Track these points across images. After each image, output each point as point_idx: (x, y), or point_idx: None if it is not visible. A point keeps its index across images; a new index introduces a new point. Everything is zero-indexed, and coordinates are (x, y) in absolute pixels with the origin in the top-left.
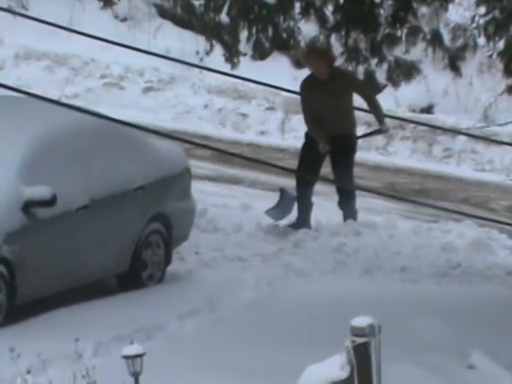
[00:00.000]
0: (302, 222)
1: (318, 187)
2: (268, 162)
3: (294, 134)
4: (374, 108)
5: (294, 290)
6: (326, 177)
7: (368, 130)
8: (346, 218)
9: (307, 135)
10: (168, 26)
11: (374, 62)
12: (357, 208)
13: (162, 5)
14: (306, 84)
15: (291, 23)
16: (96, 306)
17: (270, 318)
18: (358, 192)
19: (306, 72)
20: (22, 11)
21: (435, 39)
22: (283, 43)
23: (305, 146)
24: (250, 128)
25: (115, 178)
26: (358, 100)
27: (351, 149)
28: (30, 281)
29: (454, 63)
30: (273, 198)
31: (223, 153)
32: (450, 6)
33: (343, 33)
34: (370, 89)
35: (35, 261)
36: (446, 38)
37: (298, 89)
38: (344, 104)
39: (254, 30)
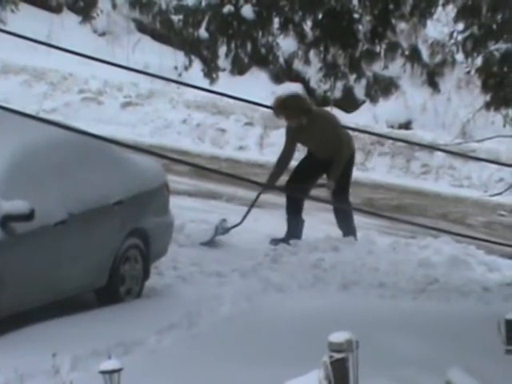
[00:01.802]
0: (293, 236)
1: None
2: (246, 177)
3: (272, 149)
4: (337, 162)
5: (272, 306)
6: (322, 197)
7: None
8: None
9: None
10: (147, 41)
11: (352, 77)
12: (355, 225)
13: (140, 20)
14: (290, 130)
15: (270, 38)
16: (74, 321)
17: (248, 333)
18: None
19: (285, 86)
20: (1, 26)
21: (414, 55)
22: (262, 58)
23: (304, 160)
24: (229, 143)
25: (93, 193)
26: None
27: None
28: (7, 295)
29: (432, 79)
30: (251, 214)
31: (201, 168)
32: (429, 22)
33: (322, 48)
34: (345, 142)
35: (13, 275)
36: (425, 53)
37: None
38: (329, 136)
39: (232, 46)
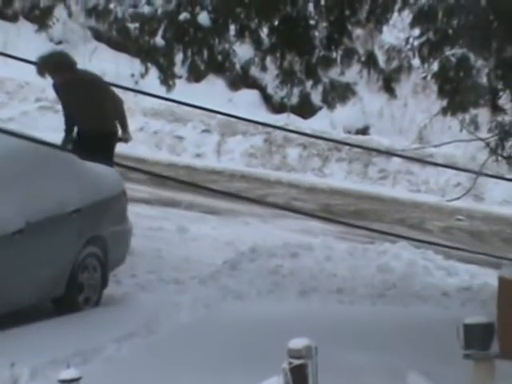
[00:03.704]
0: None
1: (254, 209)
2: (203, 184)
3: (230, 155)
4: (120, 118)
5: (230, 313)
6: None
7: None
8: None
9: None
10: (103, 49)
11: (309, 84)
12: None
13: (97, 28)
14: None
15: (226, 45)
16: (32, 330)
17: (206, 340)
18: (294, 214)
19: (242, 93)
20: None
21: (370, 61)
22: (218, 65)
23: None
24: (186, 150)
25: (51, 201)
26: None
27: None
28: None
29: (388, 85)
30: (209, 221)
31: (159, 176)
32: (385, 28)
33: (278, 55)
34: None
35: None
36: (381, 59)
37: (233, 111)
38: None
39: (189, 53)
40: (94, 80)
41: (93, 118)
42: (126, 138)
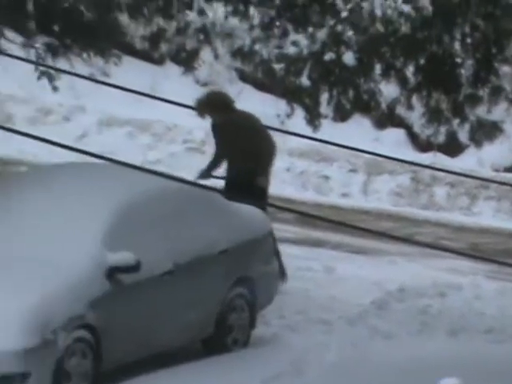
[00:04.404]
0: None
1: (401, 248)
2: (352, 224)
3: (377, 195)
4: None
5: (379, 353)
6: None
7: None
8: None
9: None
10: (249, 90)
11: (455, 122)
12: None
13: (242, 69)
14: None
15: (372, 84)
16: (180, 371)
17: (355, 381)
18: (442, 253)
19: (388, 132)
20: (104, 78)
21: None
22: (364, 105)
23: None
24: (333, 190)
25: (199, 243)
26: None
27: None
28: (115, 347)
29: None
30: (357, 260)
31: (306, 216)
32: None
33: (424, 93)
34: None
35: (120, 327)
36: None
37: (379, 150)
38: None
39: (334, 92)
40: (252, 120)
41: (248, 158)
42: (261, 180)
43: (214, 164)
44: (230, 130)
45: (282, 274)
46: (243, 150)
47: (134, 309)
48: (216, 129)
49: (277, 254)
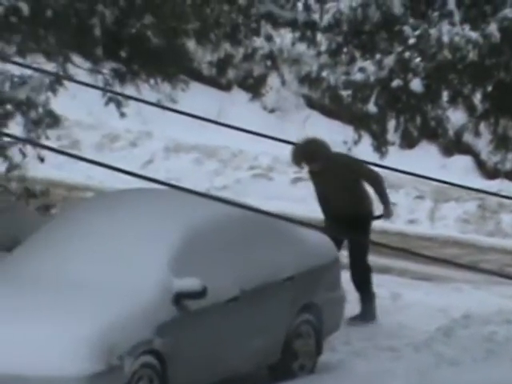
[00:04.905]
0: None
1: (467, 275)
2: (416, 251)
3: (443, 222)
4: (379, 191)
5: (445, 380)
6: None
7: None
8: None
9: None
10: (316, 117)
11: None
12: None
13: (309, 95)
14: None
15: (439, 111)
16: None
17: None
18: (507, 280)
19: (455, 159)
20: (171, 105)
21: None
22: (431, 132)
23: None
24: (399, 217)
25: (264, 269)
26: None
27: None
28: (181, 373)
29: None
30: (422, 287)
31: (373, 244)
32: None
33: (492, 120)
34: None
35: (186, 353)
36: None
37: (446, 177)
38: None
39: (401, 119)
40: (347, 163)
41: (348, 202)
42: (387, 213)
43: (323, 211)
44: (326, 176)
45: (371, 315)
46: (342, 195)
47: (200, 335)
48: (313, 176)
49: (372, 296)
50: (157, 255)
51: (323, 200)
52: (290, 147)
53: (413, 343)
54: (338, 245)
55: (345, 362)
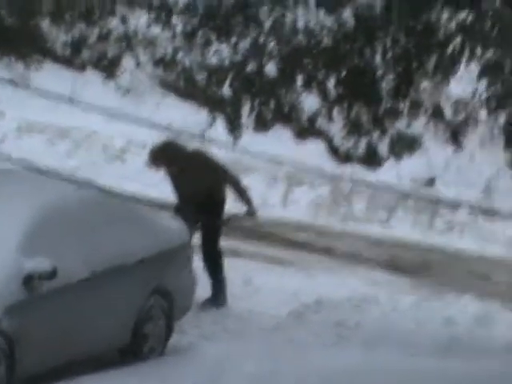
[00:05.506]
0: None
1: (319, 260)
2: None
3: (296, 206)
4: (239, 189)
5: (296, 364)
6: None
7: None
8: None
9: None
10: (171, 99)
11: (376, 134)
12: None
13: (164, 77)
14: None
15: (293, 96)
16: (96, 380)
17: None
18: (360, 265)
19: (309, 144)
20: (24, 83)
21: (437, 113)
22: (285, 116)
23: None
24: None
25: (116, 251)
26: None
27: None
28: (30, 354)
29: (455, 137)
30: (275, 271)
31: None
32: (452, 80)
33: (345, 105)
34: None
35: (35, 334)
36: (448, 111)
37: (300, 162)
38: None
39: (256, 103)
40: (205, 164)
41: (204, 194)
42: (252, 212)
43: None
44: (181, 174)
45: (222, 300)
46: (198, 190)
47: (49, 316)
48: (170, 177)
49: (223, 280)
50: (6, 236)
51: (181, 195)
52: (144, 130)
53: (264, 327)
54: (191, 228)
55: (194, 345)
